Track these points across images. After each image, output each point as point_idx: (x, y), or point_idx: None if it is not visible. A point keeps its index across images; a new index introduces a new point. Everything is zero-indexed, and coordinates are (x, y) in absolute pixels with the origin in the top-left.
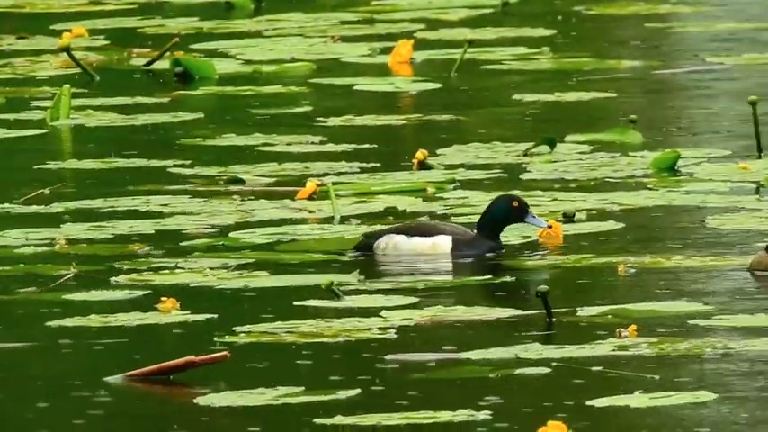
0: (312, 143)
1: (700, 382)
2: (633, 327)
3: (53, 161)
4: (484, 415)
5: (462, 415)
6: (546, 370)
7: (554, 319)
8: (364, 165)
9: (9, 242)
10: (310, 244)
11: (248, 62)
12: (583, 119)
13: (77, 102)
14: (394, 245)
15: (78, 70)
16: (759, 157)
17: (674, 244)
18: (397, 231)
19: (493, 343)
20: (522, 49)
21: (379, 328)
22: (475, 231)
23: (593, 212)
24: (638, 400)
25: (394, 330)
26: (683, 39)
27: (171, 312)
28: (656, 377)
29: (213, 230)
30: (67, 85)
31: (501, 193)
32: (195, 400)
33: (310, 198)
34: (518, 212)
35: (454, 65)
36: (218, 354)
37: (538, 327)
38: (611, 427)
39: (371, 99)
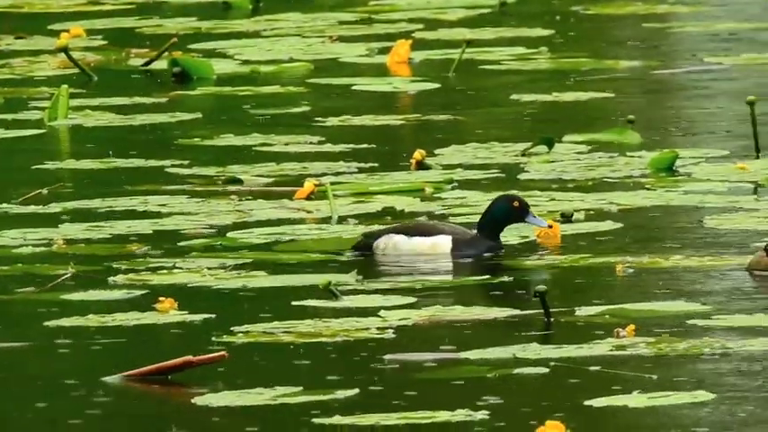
0: (310, 143)
1: (698, 381)
2: (631, 327)
3: (51, 161)
4: (482, 415)
5: (460, 415)
6: (544, 370)
7: (552, 319)
8: (362, 165)
9: (7, 242)
10: (308, 244)
11: (246, 62)
12: (581, 119)
13: (75, 102)
14: (393, 245)
15: (76, 70)
16: (757, 157)
17: (673, 244)
18: (397, 231)
19: (491, 343)
20: (521, 50)
21: (378, 328)
22: (475, 231)
23: (592, 212)
24: (636, 399)
25: (392, 330)
26: (682, 39)
27: (169, 312)
28: (654, 377)
29: (211, 230)
30: (65, 86)
31: (502, 193)
32: (193, 400)
33: (308, 198)
34: (519, 212)
35: (452, 65)
36: (216, 354)
37: (536, 327)
38: (609, 427)
39: (369, 99)
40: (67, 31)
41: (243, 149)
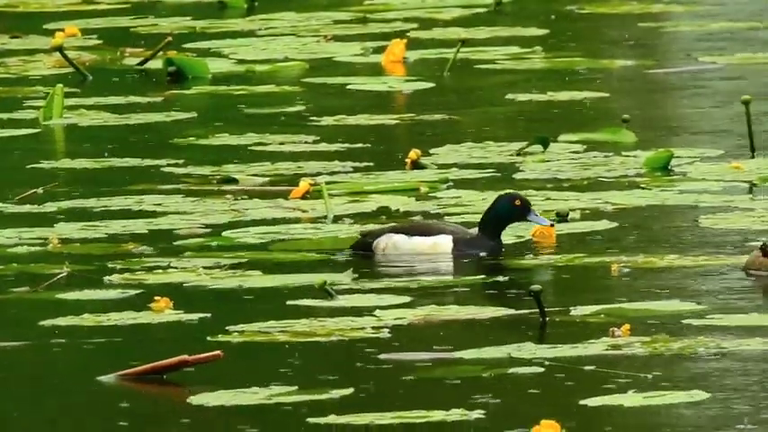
0: (305, 142)
1: (693, 381)
2: (626, 326)
3: (46, 160)
4: (477, 414)
5: (455, 414)
6: (539, 369)
7: (547, 319)
8: (357, 164)
9: (2, 241)
10: (304, 243)
11: (241, 61)
12: (576, 118)
13: (70, 101)
14: (393, 244)
15: (71, 70)
16: (752, 157)
17: (668, 243)
18: (397, 231)
19: (486, 342)
20: (515, 49)
21: (373, 328)
22: (475, 231)
23: (587, 212)
24: (631, 399)
25: (387, 330)
26: (676, 38)
27: (164, 312)
28: (650, 376)
29: (206, 230)
30: (60, 85)
31: (503, 192)
32: (188, 400)
33: (303, 197)
34: (521, 211)
35: (447, 64)
36: (211, 353)
37: (531, 326)
38: (604, 427)
39: (364, 98)
40: (62, 30)
41: (238, 149)
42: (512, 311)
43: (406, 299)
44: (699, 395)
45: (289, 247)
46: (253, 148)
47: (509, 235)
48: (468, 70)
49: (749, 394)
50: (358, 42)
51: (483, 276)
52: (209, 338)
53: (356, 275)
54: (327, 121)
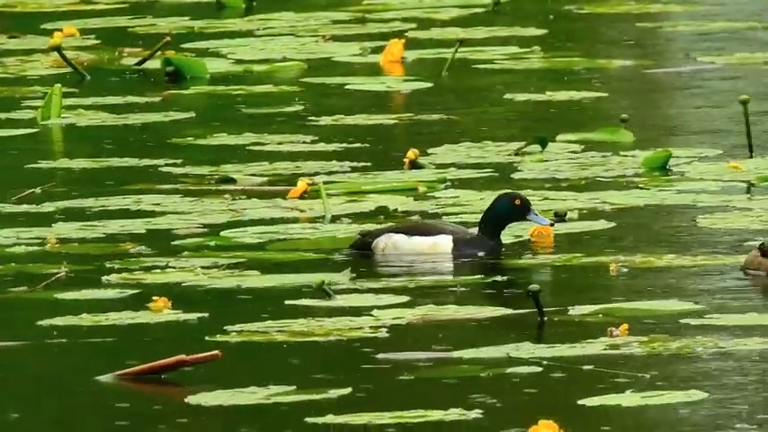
0: (303, 142)
1: (691, 381)
2: (625, 326)
3: (44, 160)
4: (475, 414)
5: (453, 414)
6: (537, 369)
7: (545, 319)
8: (355, 164)
9: (0, 241)
10: (302, 243)
11: (239, 61)
12: (574, 118)
13: (68, 101)
14: (393, 244)
15: (69, 69)
16: (750, 157)
17: (666, 243)
18: (397, 231)
19: (484, 342)
20: (514, 49)
21: (371, 328)
22: (475, 231)
23: (585, 212)
24: (629, 399)
25: (385, 329)
26: (675, 38)
27: (162, 311)
28: (648, 376)
29: (204, 230)
30: (58, 85)
31: (503, 191)
32: (186, 400)
33: (301, 197)
34: (520, 210)
35: (445, 64)
36: (209, 353)
37: (529, 326)
38: (602, 427)
39: (363, 98)
40: (60, 30)
41: (236, 149)
42: (510, 311)
43: (405, 299)
44: (697, 395)
45: (287, 246)
46: (251, 147)
47: (507, 235)
48: (467, 70)
49: (747, 394)
50: (356, 42)
51: (481, 276)
52: (207, 338)
53: (354, 275)
54: (326, 120)
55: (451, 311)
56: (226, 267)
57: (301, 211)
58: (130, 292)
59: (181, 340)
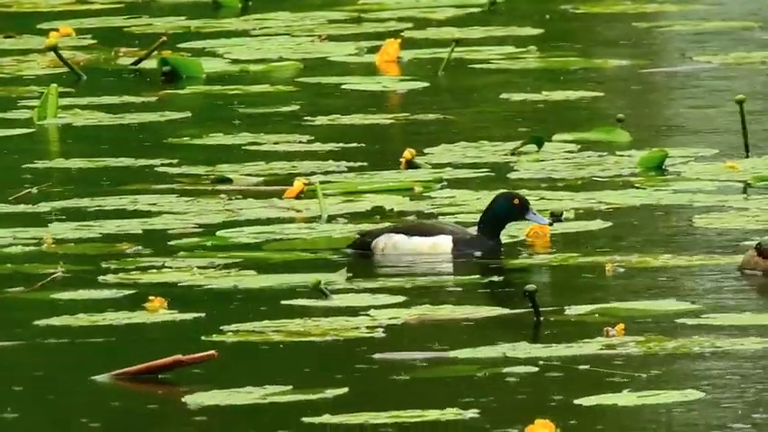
0: (299, 142)
1: (687, 380)
2: (621, 326)
3: (40, 160)
4: (471, 414)
5: (450, 414)
6: (534, 369)
7: (542, 318)
8: (352, 164)
9: None
10: (298, 243)
11: (236, 61)
12: (570, 118)
13: (65, 101)
14: (393, 244)
15: (65, 69)
16: (746, 156)
17: (662, 243)
18: (396, 231)
19: (480, 342)
20: (510, 48)
21: (367, 327)
22: (475, 231)
23: (581, 211)
24: (625, 398)
25: (382, 329)
26: (671, 38)
27: (158, 311)
28: (644, 376)
29: (200, 230)
30: (55, 85)
31: (501, 191)
32: (183, 400)
33: (298, 197)
34: (519, 210)
35: (441, 64)
36: (205, 353)
37: (526, 326)
38: (598, 426)
39: (359, 98)
40: (57, 30)
41: (232, 148)
42: (506, 311)
43: (401, 298)
44: (693, 394)
45: (283, 246)
46: (247, 147)
47: (503, 235)
48: (463, 70)
49: (744, 393)
50: (352, 42)
51: (478, 276)
52: (203, 338)
53: (350, 275)
54: (322, 120)
55: (448, 311)
56: (222, 267)
57: (297, 211)
58: (127, 292)
59: (177, 340)
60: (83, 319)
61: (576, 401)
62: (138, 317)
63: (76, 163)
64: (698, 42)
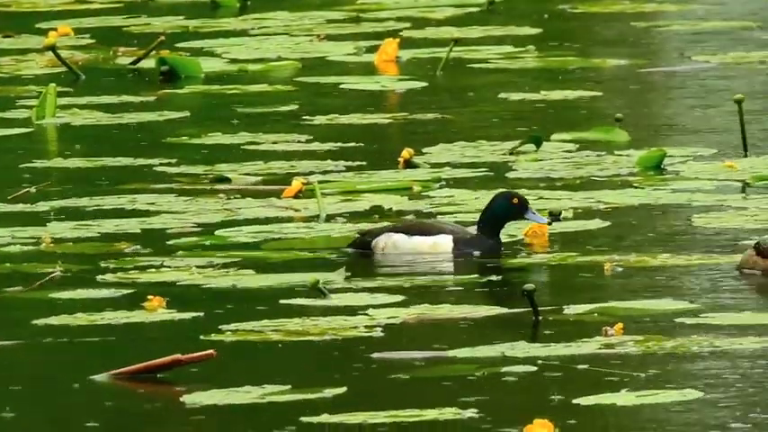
0: (298, 142)
1: (686, 380)
2: (619, 325)
3: (39, 160)
4: (470, 413)
5: (448, 413)
6: (532, 368)
7: (540, 318)
8: (350, 163)
9: None
10: (296, 242)
11: (234, 61)
12: (569, 117)
13: (63, 100)
14: (393, 243)
15: (64, 69)
16: (745, 156)
17: (660, 242)
18: (396, 230)
19: (479, 341)
20: (508, 48)
21: (366, 327)
22: (475, 230)
23: (579, 211)
24: (624, 398)
25: (380, 329)
26: (669, 37)
27: (157, 311)
28: (643, 375)
29: (199, 229)
30: (53, 84)
31: (500, 191)
32: (181, 399)
33: (296, 196)
34: (518, 209)
35: (440, 63)
36: (204, 352)
37: (524, 325)
38: (597, 426)
39: (357, 98)
40: (55, 29)
41: (231, 148)
42: (505, 310)
43: (400, 298)
44: (692, 394)
45: (281, 246)
46: (245, 147)
47: (501, 234)
48: (461, 69)
49: (742, 393)
50: (351, 42)
51: (476, 275)
52: (202, 337)
53: (349, 274)
54: (320, 120)
55: (446, 310)
56: (221, 267)
57: (296, 210)
58: (125, 291)
59: (176, 339)
60: (81, 319)
61: (575, 401)
62: (136, 316)
63: (75, 162)
64: (696, 42)
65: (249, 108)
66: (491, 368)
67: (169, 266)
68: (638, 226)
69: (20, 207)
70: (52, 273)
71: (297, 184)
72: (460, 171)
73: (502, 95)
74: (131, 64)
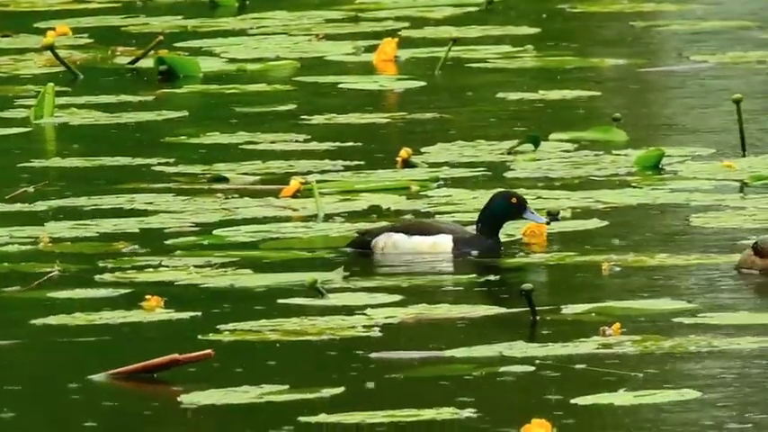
0: (296, 141)
1: (684, 380)
2: (617, 325)
3: (37, 159)
4: (468, 413)
5: (446, 413)
6: (530, 368)
7: (538, 318)
8: (348, 163)
9: None
10: (294, 242)
11: (233, 60)
12: (567, 117)
13: (61, 100)
14: (393, 243)
15: (62, 68)
16: (743, 155)
17: (659, 242)
18: (396, 230)
19: (477, 341)
20: (507, 48)
21: (364, 327)
22: (474, 230)
23: (578, 210)
24: (622, 398)
25: (378, 328)
26: (668, 37)
27: (155, 310)
28: (640, 375)
29: (197, 229)
30: (51, 84)
31: (498, 190)
32: (179, 399)
33: (294, 196)
34: (517, 208)
35: (438, 63)
36: (202, 352)
37: (522, 325)
38: (595, 425)
39: (356, 97)
40: (53, 29)
41: (229, 147)
42: (503, 310)
43: (398, 297)
44: (689, 394)
45: (280, 245)
46: (244, 146)
47: (499, 233)
48: (460, 69)
49: (740, 393)
50: (349, 41)
51: (474, 275)
52: (200, 337)
53: (347, 274)
54: (318, 119)
55: (444, 310)
56: (218, 266)
57: (294, 210)
58: (123, 291)
59: (174, 339)
60: (79, 318)
61: (573, 401)
62: (134, 316)
63: (73, 162)
64: (695, 42)
65: (247, 108)
66: (489, 368)
67: (167, 266)
68: (636, 226)
69: (18, 207)
70: (50, 272)
71: (295, 183)
72: (459, 171)
73: (500, 95)
74: (130, 63)
